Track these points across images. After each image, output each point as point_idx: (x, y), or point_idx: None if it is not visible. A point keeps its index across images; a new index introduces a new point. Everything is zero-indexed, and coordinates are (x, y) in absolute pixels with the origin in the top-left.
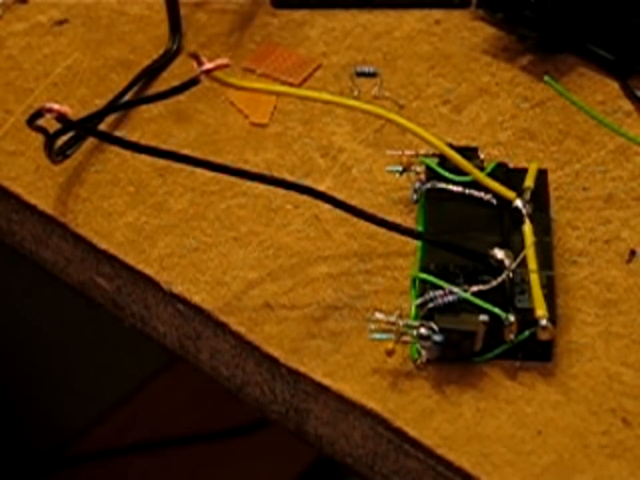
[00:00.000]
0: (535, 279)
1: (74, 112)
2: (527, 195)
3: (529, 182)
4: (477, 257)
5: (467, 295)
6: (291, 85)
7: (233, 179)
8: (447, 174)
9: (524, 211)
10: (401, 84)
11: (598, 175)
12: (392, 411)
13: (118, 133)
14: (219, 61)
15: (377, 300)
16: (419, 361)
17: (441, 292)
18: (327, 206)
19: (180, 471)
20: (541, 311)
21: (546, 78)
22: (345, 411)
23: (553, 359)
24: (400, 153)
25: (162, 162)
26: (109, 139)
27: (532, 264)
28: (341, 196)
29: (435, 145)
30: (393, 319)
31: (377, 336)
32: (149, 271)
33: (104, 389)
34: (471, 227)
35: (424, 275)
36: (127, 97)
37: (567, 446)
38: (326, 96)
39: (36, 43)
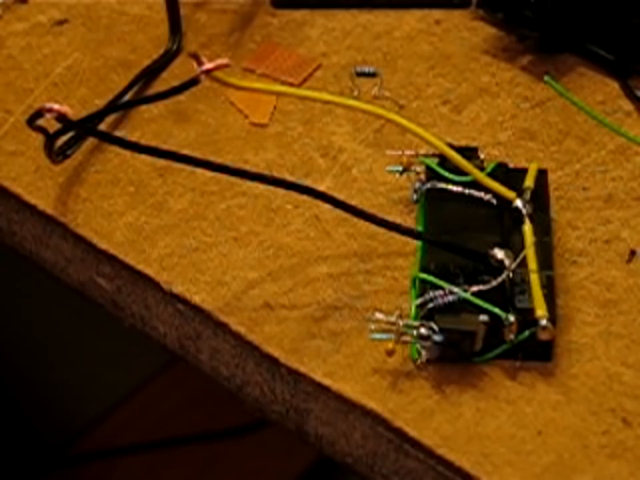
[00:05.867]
0: (534, 279)
1: (74, 112)
2: (527, 195)
3: (529, 182)
4: (477, 256)
5: (467, 295)
6: (291, 85)
7: (232, 179)
8: (447, 174)
9: (524, 211)
10: (401, 84)
11: (598, 174)
12: (392, 411)
13: (118, 133)
14: (219, 61)
15: (377, 300)
16: (418, 361)
17: (441, 292)
18: (326, 206)
19: (180, 470)
20: (540, 311)
21: (546, 78)
22: (345, 411)
23: (553, 359)
24: (400, 153)
25: (162, 162)
26: (109, 138)
27: (532, 264)
28: (341, 196)
29: (435, 145)
30: (393, 319)
31: (377, 336)
32: (149, 271)
33: (104, 389)
34: (470, 227)
35: (424, 275)
36: (127, 97)
37: (567, 446)
38: (326, 96)
39: (36, 42)
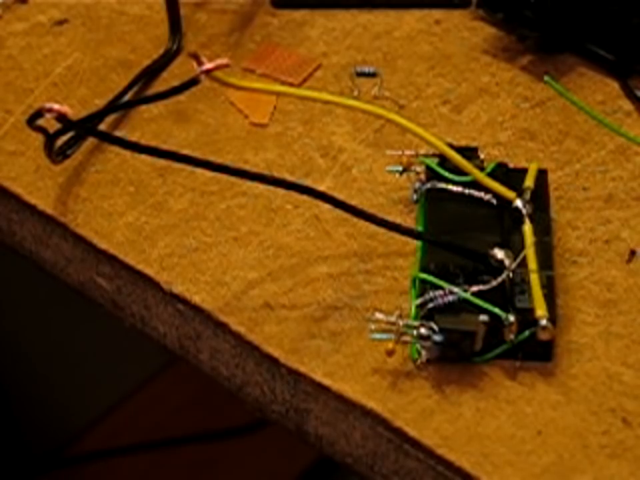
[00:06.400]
0: (535, 279)
1: (74, 112)
2: (527, 195)
3: (529, 182)
4: (477, 257)
5: (467, 295)
6: (291, 85)
7: (232, 179)
8: (447, 174)
9: (524, 211)
10: (400, 84)
11: (598, 174)
12: (392, 411)
13: (118, 133)
14: (219, 61)
15: (377, 300)
16: (418, 361)
17: (441, 292)
18: (326, 206)
19: (180, 471)
20: (540, 311)
21: (546, 78)
22: (345, 411)
23: (553, 359)
24: (400, 153)
25: (162, 162)
26: (109, 138)
27: (532, 264)
28: (341, 196)
29: (435, 145)
30: (393, 319)
31: (377, 336)
32: (149, 271)
33: (104, 389)
34: (470, 227)
35: (424, 275)
36: (127, 97)
37: (566, 446)
38: (326, 96)
39: (36, 42)
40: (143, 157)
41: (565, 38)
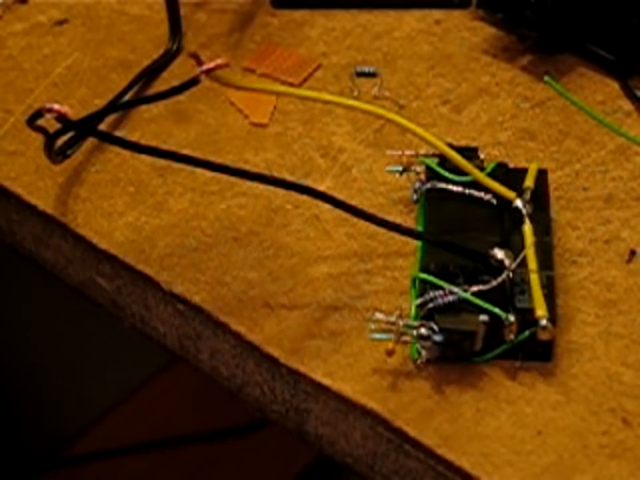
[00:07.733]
0: (534, 279)
1: (74, 112)
2: (527, 195)
3: (529, 182)
4: (477, 257)
5: (467, 295)
6: (291, 85)
7: (232, 179)
8: (447, 174)
9: (524, 211)
10: (400, 84)
11: (598, 174)
12: (392, 411)
13: (118, 133)
14: (219, 61)
15: (377, 300)
16: (419, 361)
17: (441, 292)
18: (327, 206)
19: (180, 471)
20: (541, 311)
21: (546, 78)
22: (345, 411)
23: (553, 359)
24: (400, 153)
25: (162, 162)
26: (109, 138)
27: (532, 264)
28: (340, 196)
29: (435, 145)
30: (393, 319)
31: (377, 336)
32: (149, 271)
33: (104, 389)
34: (470, 226)
35: (424, 275)
36: (127, 97)
37: (566, 446)
38: (326, 96)
39: (36, 42)
40: (143, 156)
41: (565, 38)
